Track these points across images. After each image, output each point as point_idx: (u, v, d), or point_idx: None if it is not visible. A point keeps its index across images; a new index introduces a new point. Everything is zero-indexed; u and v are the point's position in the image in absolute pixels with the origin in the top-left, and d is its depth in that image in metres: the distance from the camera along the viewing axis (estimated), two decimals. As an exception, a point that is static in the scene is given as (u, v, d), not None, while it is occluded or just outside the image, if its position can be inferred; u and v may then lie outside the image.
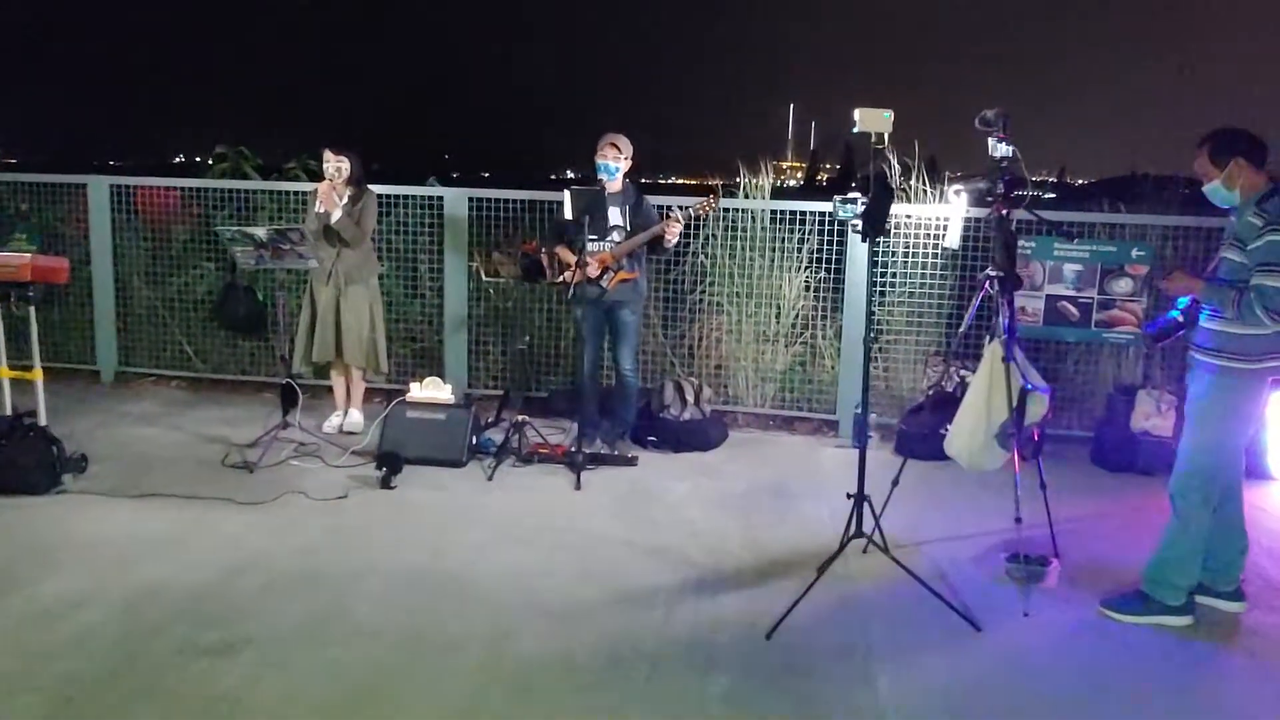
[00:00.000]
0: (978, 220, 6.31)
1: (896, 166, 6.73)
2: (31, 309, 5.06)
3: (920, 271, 6.56)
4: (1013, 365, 4.10)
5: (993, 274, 4.24)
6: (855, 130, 3.63)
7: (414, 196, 7.12)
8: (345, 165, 5.86)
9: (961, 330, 4.42)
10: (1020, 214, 4.54)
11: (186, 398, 7.16)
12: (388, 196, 7.07)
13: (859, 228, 3.70)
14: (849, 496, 4.06)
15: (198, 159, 8.96)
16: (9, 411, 5.18)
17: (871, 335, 3.96)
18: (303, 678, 3.30)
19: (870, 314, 4.06)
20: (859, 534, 4.01)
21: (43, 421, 5.13)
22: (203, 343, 7.55)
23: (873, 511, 4.04)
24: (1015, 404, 4.07)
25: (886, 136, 3.64)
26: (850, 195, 3.78)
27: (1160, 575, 3.86)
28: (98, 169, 7.88)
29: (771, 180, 7.06)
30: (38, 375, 5.12)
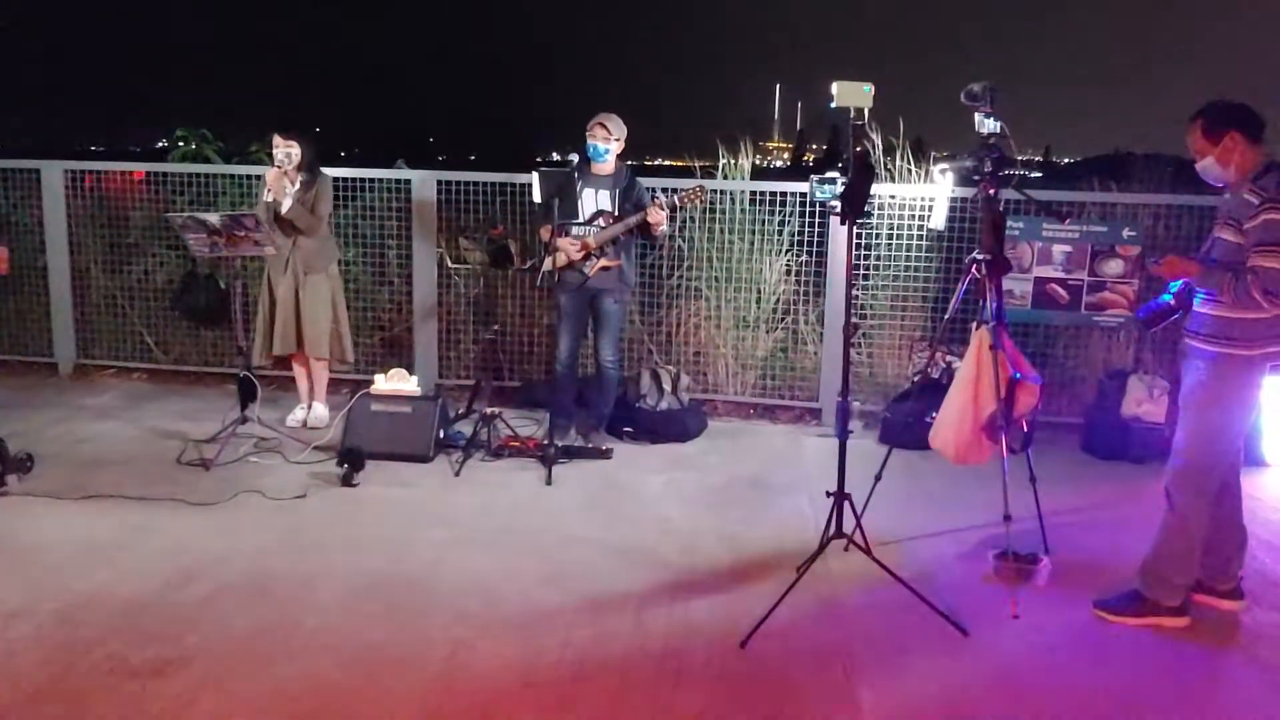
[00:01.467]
0: (964, 201, 6.10)
1: (879, 145, 6.50)
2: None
3: (905, 254, 6.34)
4: (1001, 353, 3.89)
5: (980, 256, 4.02)
6: (833, 105, 3.40)
7: (380, 180, 6.86)
8: (295, 150, 5.58)
9: (947, 316, 4.20)
10: (1009, 193, 4.31)
11: (147, 390, 6.90)
12: (353, 180, 6.81)
13: (838, 209, 3.46)
14: (829, 495, 3.84)
15: (161, 145, 8.65)
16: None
17: (854, 322, 3.72)
18: (242, 700, 3.07)
19: (850, 299, 3.84)
20: (839, 534, 3.79)
21: (-17, 420, 4.88)
22: (164, 333, 7.29)
23: (854, 511, 3.83)
24: (1004, 394, 3.86)
25: (866, 112, 3.40)
26: (828, 175, 3.55)
27: (1156, 573, 3.66)
28: (59, 155, 7.57)
29: (753, 160, 6.82)
30: (-23, 371, 4.86)
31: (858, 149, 3.34)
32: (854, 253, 6.18)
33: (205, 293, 6.92)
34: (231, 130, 7.99)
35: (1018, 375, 3.93)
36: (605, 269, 5.54)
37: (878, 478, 4.31)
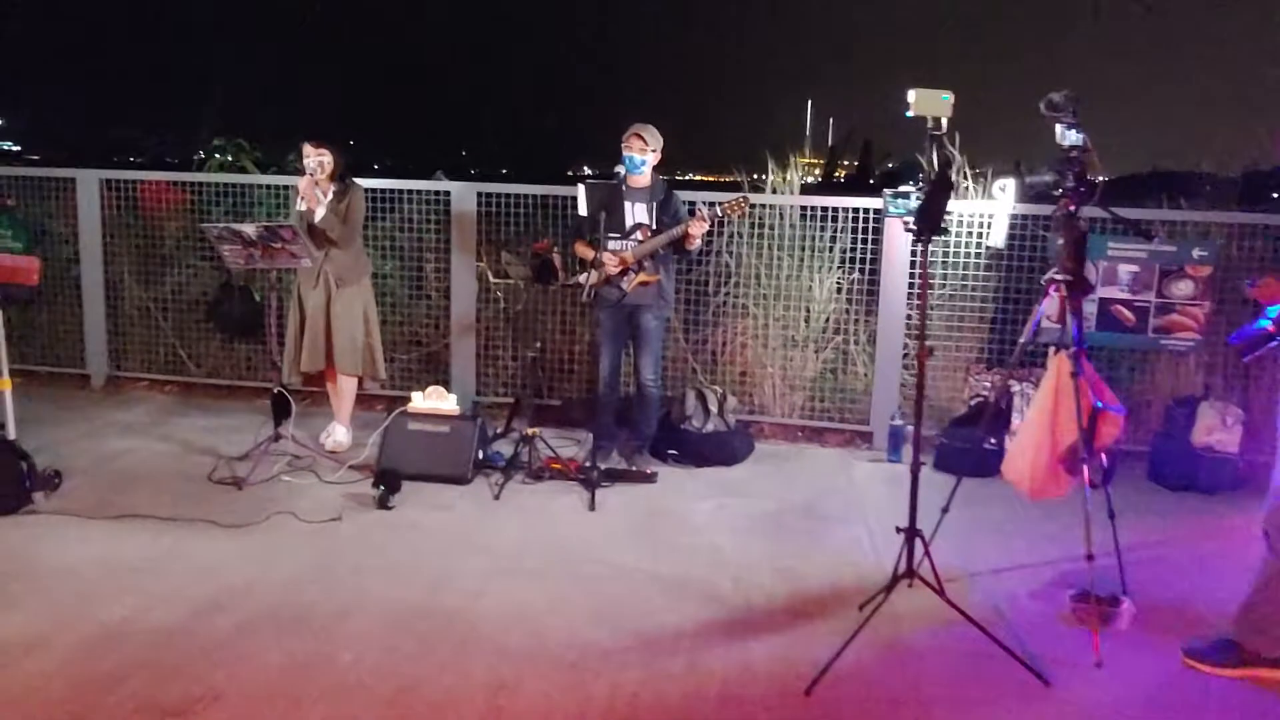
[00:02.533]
0: (1024, 218, 5.85)
1: (934, 159, 6.24)
2: (-1, 313, 4.66)
3: (961, 272, 6.09)
4: (1082, 380, 3.63)
5: (1059, 277, 3.76)
6: (909, 114, 3.17)
7: (419, 191, 6.69)
8: (327, 159, 5.40)
9: (1022, 340, 3.94)
10: (1092, 210, 4.06)
11: (179, 404, 6.76)
12: (391, 191, 6.65)
13: (912, 225, 3.23)
14: (899, 530, 3.60)
15: (199, 156, 8.55)
16: (-24, 423, 4.77)
17: (927, 346, 3.49)
18: (274, 743, 2.88)
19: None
20: (910, 574, 3.55)
21: (12, 435, 4.73)
22: (197, 346, 7.15)
23: (925, 548, 3.58)
24: (1085, 424, 3.60)
25: (945, 121, 3.18)
26: (902, 189, 3.32)
27: (1255, 621, 3.39)
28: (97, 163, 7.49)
29: (804, 175, 6.60)
30: (6, 385, 4.73)
31: (941, 162, 3.10)
32: (912, 271, 6.06)
33: (239, 305, 6.79)
34: (267, 139, 7.86)
35: (1100, 404, 3.67)
36: (644, 284, 5.34)
37: (945, 510, 4.05)
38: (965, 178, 6.20)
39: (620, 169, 5.27)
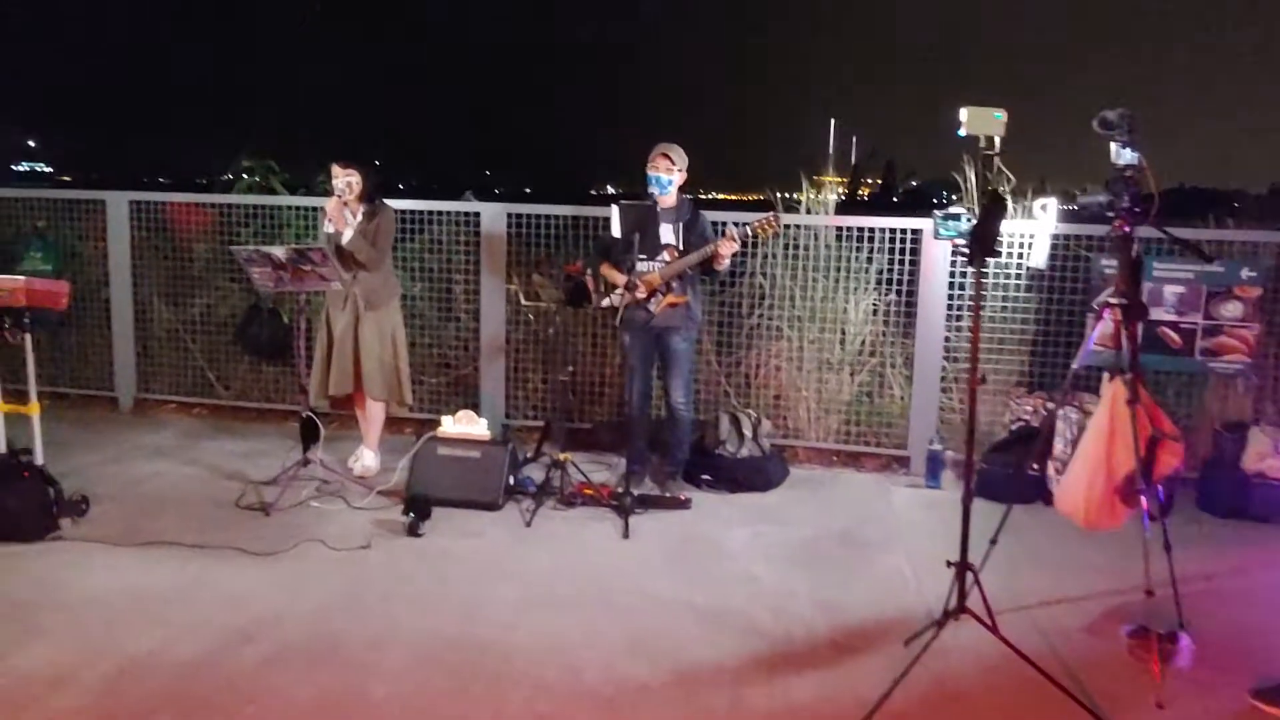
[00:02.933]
0: (1066, 238, 5.72)
1: (972, 178, 6.13)
2: (28, 337, 4.60)
3: (1002, 294, 5.95)
4: (1139, 407, 3.50)
5: (1113, 300, 3.63)
6: (961, 133, 3.07)
7: (448, 212, 6.63)
8: (355, 179, 5.33)
9: (1075, 366, 3.81)
10: (1147, 231, 3.93)
11: (206, 427, 6.70)
12: (420, 212, 6.59)
13: (963, 248, 3.12)
14: (949, 565, 3.47)
15: (227, 177, 8.57)
16: (4, 449, 4.71)
17: (981, 374, 3.36)
18: (305, 785, 2.78)
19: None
20: (961, 610, 3.41)
21: (39, 460, 4.67)
22: (225, 368, 7.10)
23: (978, 581, 3.45)
24: (1144, 454, 3.46)
25: (998, 140, 3.07)
26: (953, 210, 3.21)
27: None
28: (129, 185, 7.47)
29: (836, 194, 6.50)
30: (35, 409, 4.67)
31: (991, 183, 2.99)
32: (951, 292, 5.93)
33: (268, 327, 6.74)
34: (294, 160, 7.83)
35: (1158, 433, 3.53)
36: (672, 305, 5.25)
37: (993, 542, 3.90)
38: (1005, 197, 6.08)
39: (655, 189, 5.19)
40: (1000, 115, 3.08)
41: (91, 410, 7.05)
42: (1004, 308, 5.96)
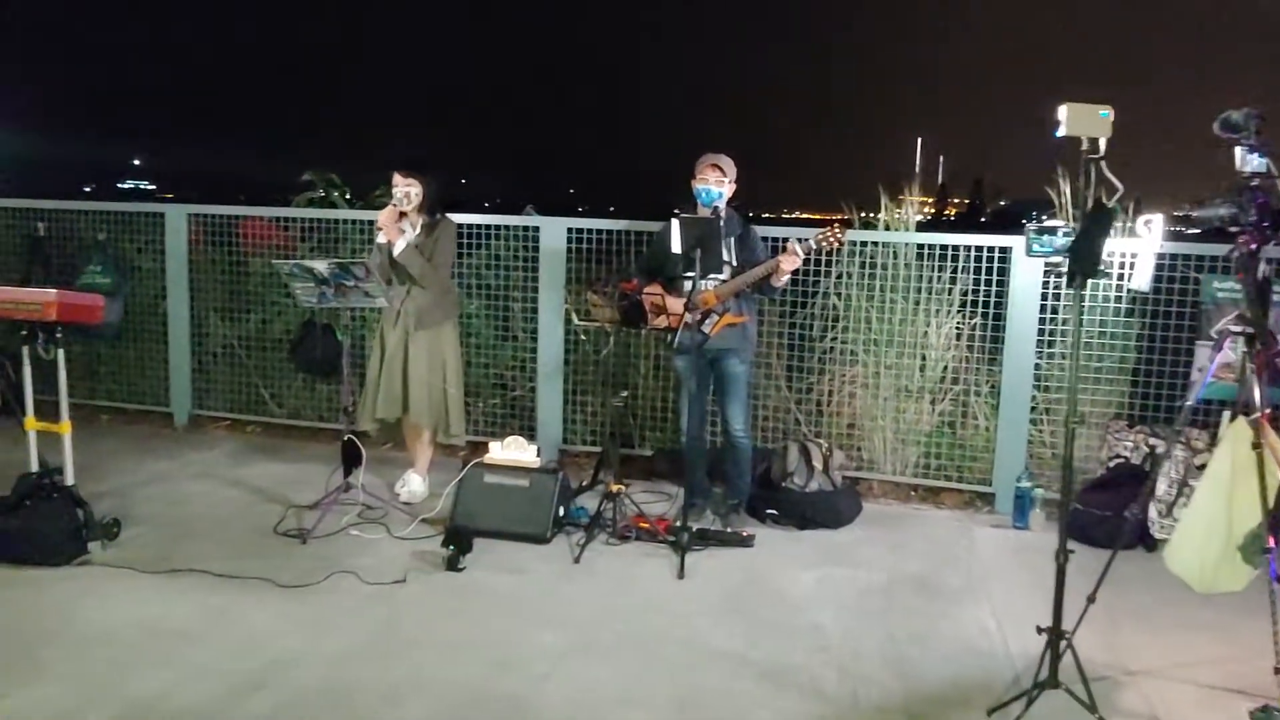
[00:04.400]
0: (1172, 258, 5.20)
1: (1066, 193, 5.64)
2: (61, 353, 4.42)
3: (1099, 318, 5.45)
4: (1266, 452, 3.02)
5: (1236, 329, 3.16)
6: (1060, 134, 2.66)
7: (507, 227, 6.36)
8: (415, 190, 5.08)
9: (1190, 402, 3.34)
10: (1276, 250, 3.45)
11: (258, 446, 6.51)
12: (480, 227, 6.33)
13: (1063, 267, 2.70)
14: (1040, 631, 3.03)
15: (286, 196, 8.48)
16: (35, 467, 4.54)
17: (1078, 410, 2.93)
18: None
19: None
20: (1053, 683, 2.97)
21: (70, 480, 4.48)
22: (279, 386, 6.92)
23: (1074, 652, 3.00)
24: (1273, 505, 2.99)
25: (1103, 142, 2.65)
26: (1048, 224, 2.79)
27: None
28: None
29: (917, 212, 6.06)
30: (65, 429, 4.48)
31: (1095, 194, 2.57)
32: (1042, 316, 5.46)
33: (321, 344, 6.52)
34: (356, 172, 7.67)
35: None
36: (729, 325, 4.88)
37: (1091, 600, 3.43)
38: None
39: (714, 205, 4.85)
40: (1106, 113, 2.66)
41: (148, 425, 6.93)
42: (1102, 334, 5.46)
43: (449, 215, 5.32)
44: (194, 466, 5.98)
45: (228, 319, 6.96)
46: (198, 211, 6.86)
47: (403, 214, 5.11)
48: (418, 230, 5.14)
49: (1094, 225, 2.60)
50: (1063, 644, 3.16)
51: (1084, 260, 2.63)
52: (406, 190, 5.07)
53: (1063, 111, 2.67)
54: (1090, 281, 5.23)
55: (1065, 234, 2.76)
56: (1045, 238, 2.82)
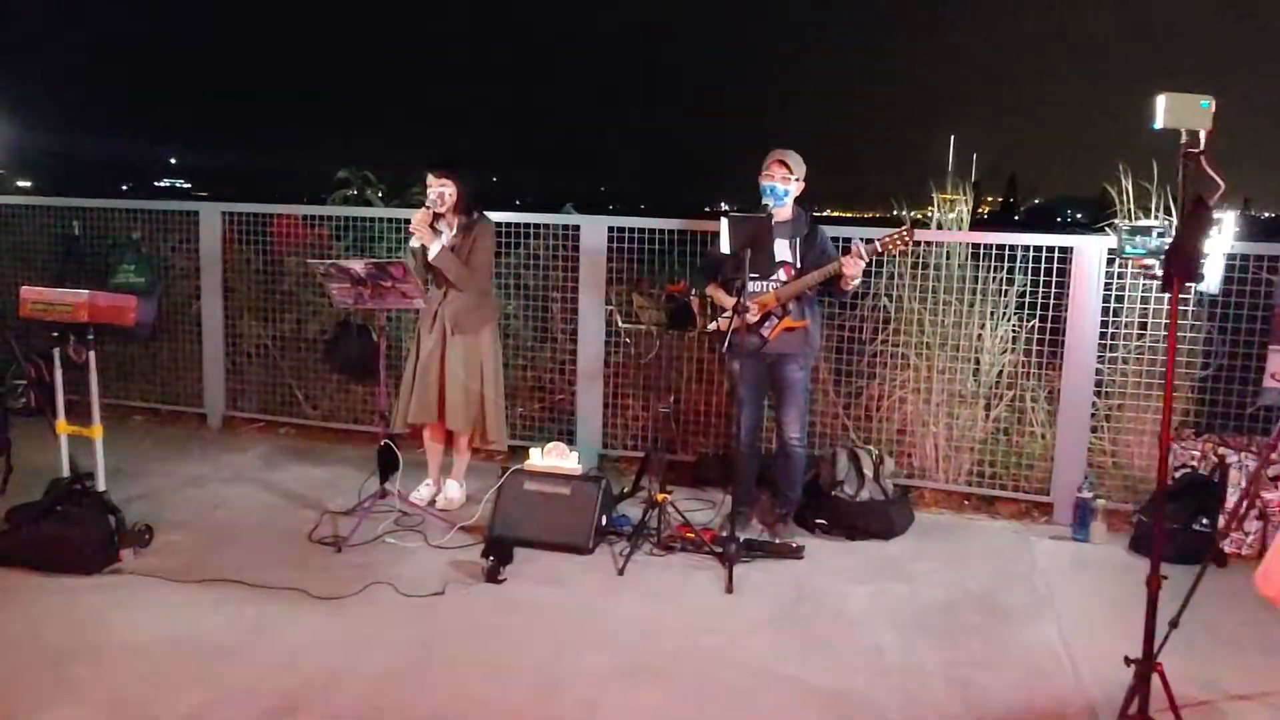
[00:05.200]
0: (1244, 258, 4.95)
1: (1129, 192, 5.38)
2: (91, 355, 4.31)
3: (1164, 321, 5.19)
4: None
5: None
6: (1156, 126, 2.45)
7: (547, 226, 6.19)
8: (449, 190, 4.90)
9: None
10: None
11: (292, 448, 6.39)
12: (519, 225, 6.17)
13: (1156, 269, 2.49)
14: (1128, 662, 2.82)
15: (321, 195, 8.38)
16: (66, 472, 4.43)
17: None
18: None
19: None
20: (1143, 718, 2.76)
21: (101, 486, 4.37)
22: (314, 387, 6.80)
23: (1164, 682, 2.79)
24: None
25: (1203, 135, 2.44)
26: (1141, 224, 2.59)
27: None
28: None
29: (970, 211, 5.82)
30: (97, 432, 4.36)
31: (1193, 191, 2.36)
32: (1104, 319, 5.22)
33: (357, 345, 6.39)
34: (392, 169, 7.54)
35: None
36: (789, 330, 4.69)
37: (1174, 625, 3.21)
38: (1171, 212, 5.33)
39: (769, 202, 4.66)
40: (1208, 104, 2.45)
41: (182, 427, 6.84)
42: (1166, 337, 5.21)
43: (487, 215, 5.15)
44: (227, 470, 5.87)
45: (262, 319, 6.85)
46: (232, 210, 6.75)
47: (438, 215, 4.95)
48: (454, 231, 4.98)
49: (1194, 225, 2.40)
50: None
51: (1182, 263, 2.43)
52: (440, 191, 4.90)
53: (1160, 102, 2.46)
54: (1148, 283, 5.03)
55: (1160, 234, 2.56)
56: (1139, 238, 2.61)
